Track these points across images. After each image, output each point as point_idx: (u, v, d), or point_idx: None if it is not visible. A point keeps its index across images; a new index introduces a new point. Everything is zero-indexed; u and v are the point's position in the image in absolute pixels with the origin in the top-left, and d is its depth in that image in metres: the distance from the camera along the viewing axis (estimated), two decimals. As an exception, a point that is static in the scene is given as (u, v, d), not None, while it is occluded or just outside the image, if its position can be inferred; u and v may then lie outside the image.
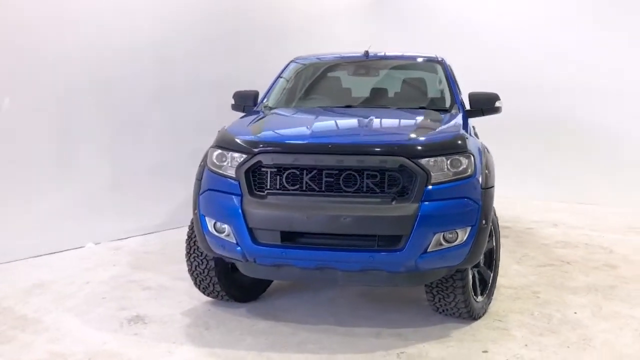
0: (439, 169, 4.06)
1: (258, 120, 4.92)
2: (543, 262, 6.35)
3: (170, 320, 4.67)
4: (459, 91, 5.55)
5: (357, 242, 4.07)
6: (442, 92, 5.59)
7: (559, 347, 4.22)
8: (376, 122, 4.72)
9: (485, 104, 5.39)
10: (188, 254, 4.83)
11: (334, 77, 6.08)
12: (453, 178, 4.10)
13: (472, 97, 5.43)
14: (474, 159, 4.23)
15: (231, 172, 4.27)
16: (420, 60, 6.09)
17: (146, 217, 7.53)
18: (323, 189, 4.10)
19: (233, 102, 5.81)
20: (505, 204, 8.52)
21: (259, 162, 4.16)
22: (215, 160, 4.42)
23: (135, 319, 4.68)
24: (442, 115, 4.99)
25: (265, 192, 4.16)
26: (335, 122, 4.91)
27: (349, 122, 4.90)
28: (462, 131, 4.45)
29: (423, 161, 4.03)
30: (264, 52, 8.87)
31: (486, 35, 10.54)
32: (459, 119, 4.87)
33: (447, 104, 5.40)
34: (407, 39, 10.86)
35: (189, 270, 4.86)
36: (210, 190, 4.40)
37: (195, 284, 4.91)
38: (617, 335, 4.44)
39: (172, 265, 6.11)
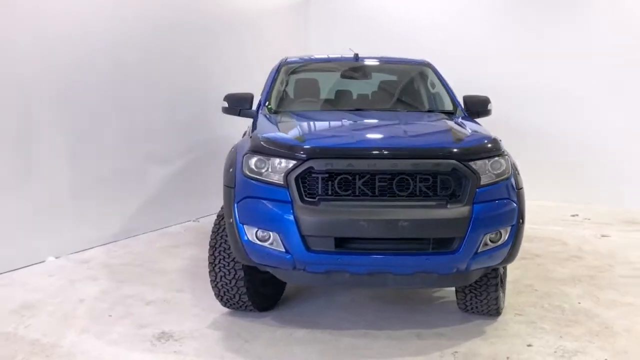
0: (484, 171, 4.18)
1: (283, 124, 4.79)
2: (514, 256, 6.67)
3: (201, 335, 4.45)
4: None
5: (411, 245, 4.10)
6: (439, 94, 5.72)
7: (590, 335, 4.50)
8: (410, 126, 4.75)
9: (480, 107, 5.59)
10: (212, 264, 4.63)
11: (331, 79, 6.05)
12: (495, 180, 4.23)
13: (468, 100, 5.61)
14: (510, 161, 4.39)
15: (276, 179, 4.14)
16: (409, 63, 6.19)
17: (103, 227, 7.07)
18: (376, 193, 4.09)
19: (226, 105, 5.59)
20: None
21: (311, 167, 4.07)
22: (253, 167, 4.26)
23: (163, 336, 4.41)
24: (456, 119, 5.13)
25: (317, 198, 4.08)
26: (371, 126, 4.88)
27: (384, 126, 4.89)
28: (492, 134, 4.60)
29: (472, 164, 4.13)
30: (197, 54, 8.59)
31: (410, 35, 10.81)
32: (474, 122, 5.03)
33: (450, 106, 5.54)
34: (333, 39, 10.95)
35: (213, 281, 4.65)
36: (249, 197, 4.24)
37: (218, 295, 4.71)
38: (632, 322, 4.78)
39: (156, 277, 5.83)
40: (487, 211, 4.13)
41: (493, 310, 4.74)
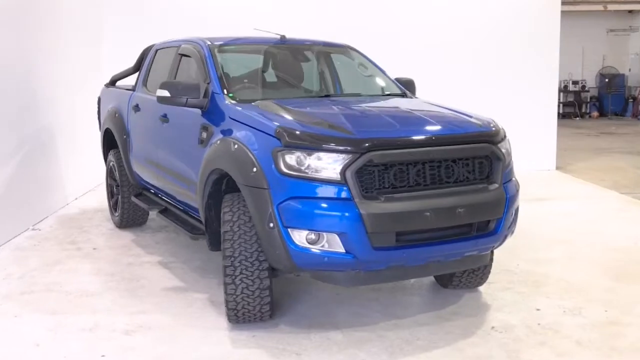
0: (505, 152, 4.40)
1: (289, 114, 4.35)
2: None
3: None
4: (386, 76, 5.78)
5: (460, 231, 4.15)
6: (379, 77, 5.69)
7: (563, 292, 5.04)
8: (420, 111, 4.67)
9: (410, 88, 5.72)
10: (232, 277, 4.09)
11: (273, 63, 5.57)
12: (508, 161, 4.47)
13: (400, 82, 5.70)
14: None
15: (331, 175, 3.83)
16: (335, 46, 6.00)
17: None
18: (428, 182, 4.04)
19: (167, 94, 4.84)
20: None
21: (370, 160, 3.84)
22: (294, 164, 3.88)
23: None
24: (424, 101, 5.24)
25: (375, 192, 3.88)
26: (386, 114, 4.63)
27: (399, 114, 4.71)
28: None
29: (500, 146, 4.33)
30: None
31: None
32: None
33: (396, 89, 5.58)
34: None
35: (232, 294, 4.12)
36: (295, 198, 3.86)
37: (234, 310, 4.18)
38: (581, 274, 5.46)
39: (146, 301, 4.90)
40: (512, 190, 4.39)
41: (482, 282, 5.00)
